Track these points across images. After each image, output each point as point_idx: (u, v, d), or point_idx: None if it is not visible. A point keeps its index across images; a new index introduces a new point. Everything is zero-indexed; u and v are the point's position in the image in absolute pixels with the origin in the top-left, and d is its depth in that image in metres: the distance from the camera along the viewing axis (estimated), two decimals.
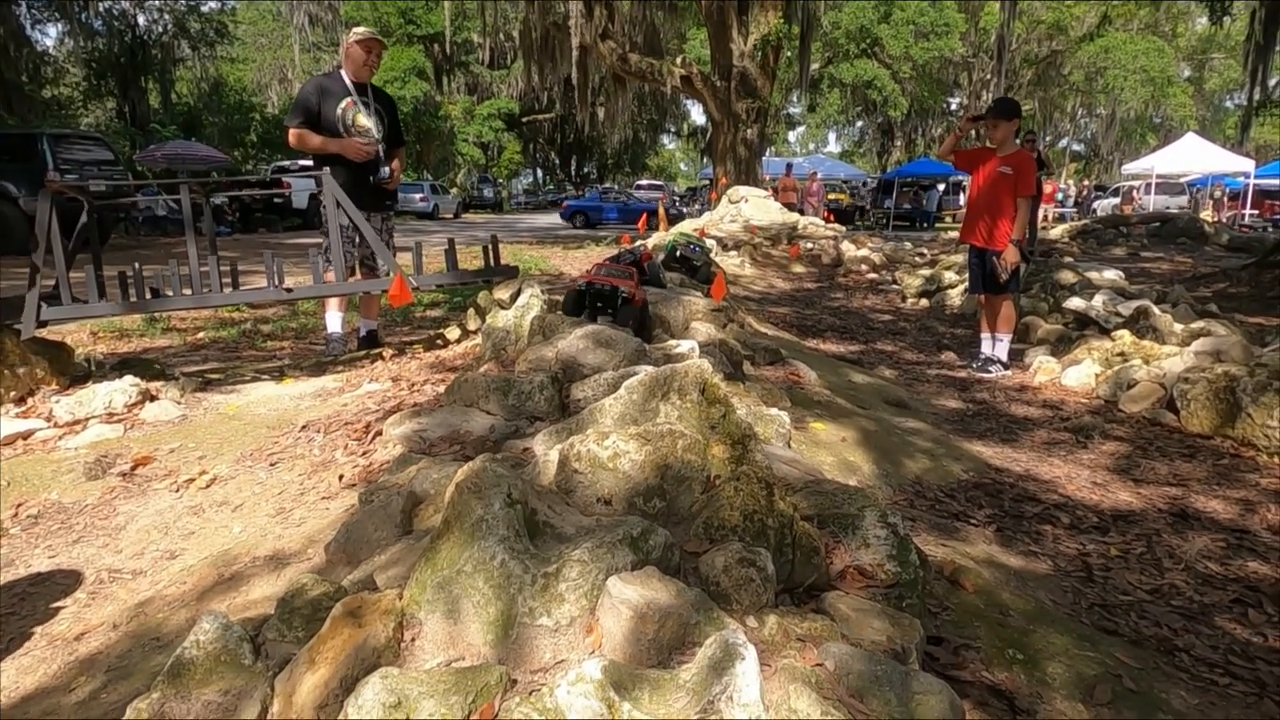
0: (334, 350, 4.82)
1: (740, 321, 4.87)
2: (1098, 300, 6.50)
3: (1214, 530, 2.89)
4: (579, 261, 11.34)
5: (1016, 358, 5.71)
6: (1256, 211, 25.23)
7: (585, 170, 56.36)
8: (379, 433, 2.79)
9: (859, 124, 47.23)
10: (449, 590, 1.32)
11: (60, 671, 1.76)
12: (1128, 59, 31.44)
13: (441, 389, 3.25)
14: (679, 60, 18.23)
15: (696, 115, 47.07)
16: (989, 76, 33.03)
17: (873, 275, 10.59)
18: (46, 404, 3.42)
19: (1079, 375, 5.02)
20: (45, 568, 2.26)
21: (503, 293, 4.50)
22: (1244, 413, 3.87)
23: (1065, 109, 39.70)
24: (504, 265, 4.93)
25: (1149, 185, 26.83)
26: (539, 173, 56.06)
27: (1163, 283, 8.93)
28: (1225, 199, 26.41)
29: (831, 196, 27.03)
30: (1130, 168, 29.18)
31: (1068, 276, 7.69)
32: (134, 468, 2.85)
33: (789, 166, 23.43)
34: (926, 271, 9.58)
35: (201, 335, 5.98)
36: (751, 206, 13.63)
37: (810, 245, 12.10)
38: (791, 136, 57.31)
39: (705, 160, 40.01)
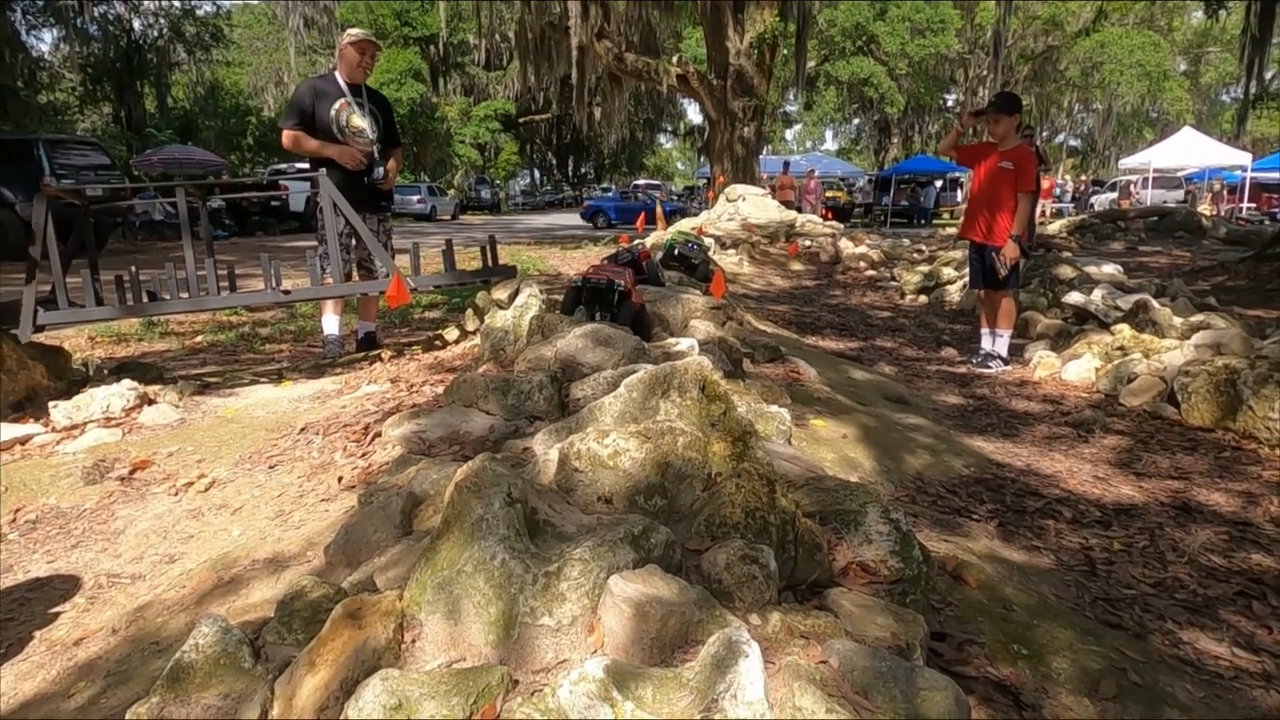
0: (331, 352, 4.81)
1: (739, 319, 4.86)
2: (1097, 294, 6.49)
3: (1216, 523, 2.88)
4: (577, 261, 11.32)
5: (1016, 353, 5.71)
6: (1254, 205, 25.25)
7: (583, 170, 56.36)
8: (378, 434, 2.78)
9: (856, 121, 47.26)
10: (449, 591, 1.31)
11: (59, 676, 1.75)
12: (1124, 53, 31.45)
13: (440, 390, 3.23)
14: (675, 59, 18.24)
15: (693, 114, 47.10)
16: (985, 72, 33.06)
17: (871, 272, 10.58)
18: (44, 408, 3.41)
19: (1079, 369, 5.02)
20: (44, 573, 2.24)
21: (501, 293, 4.49)
22: (1245, 405, 3.86)
23: (1062, 104, 39.76)
24: (502, 265, 4.92)
25: (1146, 180, 26.83)
26: (536, 173, 56.06)
27: (1161, 276, 8.93)
28: (1225, 192, 26.42)
29: (829, 194, 27.01)
30: (1127, 162, 29.17)
31: (1066, 271, 7.68)
32: (132, 472, 2.84)
33: (786, 164, 23.43)
34: (925, 268, 9.57)
35: (200, 339, 5.96)
36: (749, 205, 13.62)
37: (808, 243, 12.09)
38: (788, 134, 57.31)
39: (702, 159, 40.02)
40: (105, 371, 4.04)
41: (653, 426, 1.72)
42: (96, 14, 24.56)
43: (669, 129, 51.16)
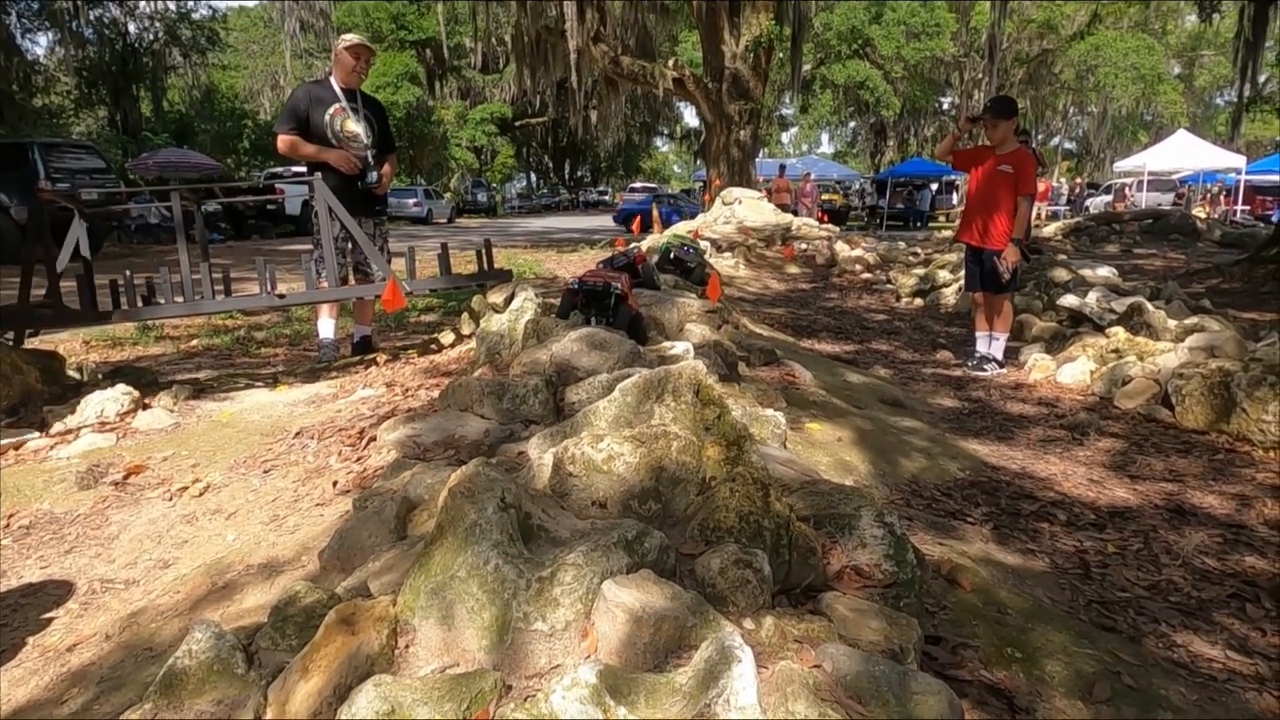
0: (326, 356, 4.80)
1: (735, 322, 4.87)
2: (1091, 297, 6.51)
3: (1210, 526, 2.89)
4: (573, 265, 11.33)
5: (1011, 355, 5.72)
6: (1247, 207, 25.33)
7: (579, 174, 56.40)
8: (373, 438, 2.78)
9: (852, 124, 47.32)
10: (443, 596, 1.31)
11: (52, 683, 1.75)
12: (1118, 57, 31.55)
13: (436, 394, 3.23)
14: (671, 63, 18.26)
15: (689, 118, 47.18)
16: (980, 76, 33.15)
17: (867, 275, 10.59)
18: (38, 413, 3.40)
19: (1074, 372, 5.03)
20: (37, 578, 2.24)
21: (497, 296, 4.49)
22: (1239, 408, 3.87)
23: (1057, 107, 39.86)
24: (497, 269, 4.92)
25: (1141, 182, 26.92)
26: (533, 176, 56.07)
27: (1156, 279, 8.95)
28: (1222, 195, 26.50)
29: (825, 197, 27.04)
30: (1122, 165, 29.26)
31: (1061, 274, 7.70)
32: (126, 476, 2.83)
33: (782, 168, 23.48)
34: (920, 271, 9.59)
35: (195, 343, 5.95)
36: (745, 208, 13.64)
37: (804, 246, 12.11)
38: (784, 138, 57.40)
39: (698, 162, 40.05)
40: (100, 376, 4.03)
41: (647, 431, 1.73)
42: (92, 17, 24.53)
43: (665, 132, 51.25)
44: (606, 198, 52.20)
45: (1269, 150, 35.70)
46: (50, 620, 2.04)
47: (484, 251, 4.84)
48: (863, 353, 6.15)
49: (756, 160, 19.95)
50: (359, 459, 2.69)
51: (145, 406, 3.55)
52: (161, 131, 26.97)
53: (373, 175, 4.64)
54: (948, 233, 16.01)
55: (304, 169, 4.78)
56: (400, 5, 35.14)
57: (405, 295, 4.27)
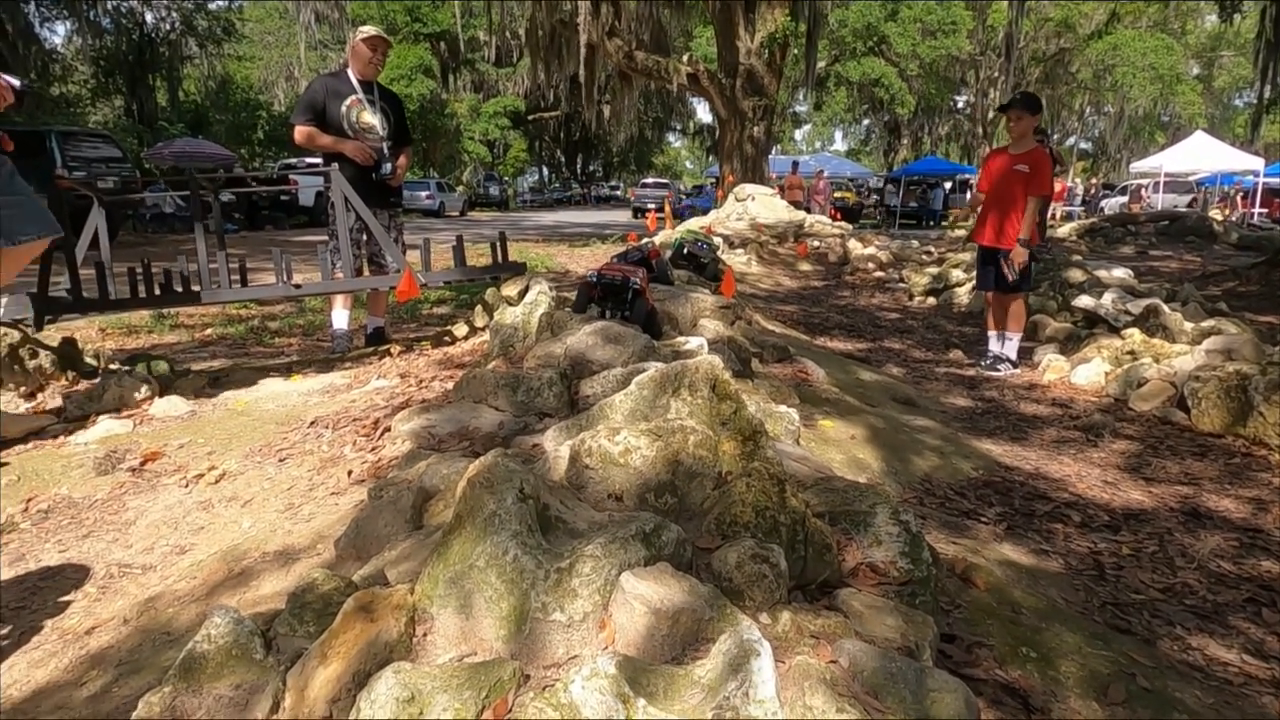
0: (339, 347, 4.82)
1: (748, 319, 4.86)
2: (1107, 298, 6.47)
3: (1226, 529, 2.87)
4: (585, 259, 11.34)
5: (1025, 356, 5.69)
6: (1265, 210, 25.10)
7: (591, 168, 56.39)
8: (387, 429, 2.79)
9: (865, 122, 47.13)
10: (461, 585, 1.31)
11: (71, 665, 1.76)
12: (1136, 56, 31.26)
13: (449, 386, 3.24)
14: (685, 58, 18.23)
15: (703, 113, 47.09)
16: (996, 74, 32.95)
17: (880, 273, 10.56)
18: (56, 399, 3.43)
19: (1088, 373, 5.00)
20: (55, 562, 2.26)
21: (510, 289, 4.50)
22: (1256, 411, 3.84)
23: (1073, 107, 39.59)
24: (512, 262, 4.93)
25: (1157, 184, 26.70)
26: (545, 170, 56.10)
27: (1172, 281, 8.89)
28: (1239, 198, 26.26)
29: (838, 195, 26.93)
30: (1138, 166, 29.03)
31: (1076, 274, 7.65)
32: (143, 463, 2.86)
33: (795, 165, 23.41)
34: (934, 270, 9.55)
35: (209, 332, 5.99)
36: (758, 204, 13.61)
37: (817, 243, 12.08)
38: (798, 135, 57.24)
39: (711, 158, 39.97)
40: (116, 363, 4.06)
41: (664, 424, 1.73)
42: (109, 7, 24.66)
43: (678, 128, 51.18)
44: (618, 193, 52.19)
45: None
46: (69, 603, 2.06)
47: (498, 244, 4.84)
48: (875, 351, 6.13)
49: (770, 157, 19.90)
50: (373, 449, 2.70)
51: (161, 394, 3.58)
52: (177, 121, 27.08)
53: (387, 167, 4.65)
54: (961, 231, 15.92)
55: (318, 160, 4.80)
56: None
57: (420, 287, 4.28)
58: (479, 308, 5.07)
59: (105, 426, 3.19)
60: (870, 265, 10.90)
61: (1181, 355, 4.76)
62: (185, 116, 28.24)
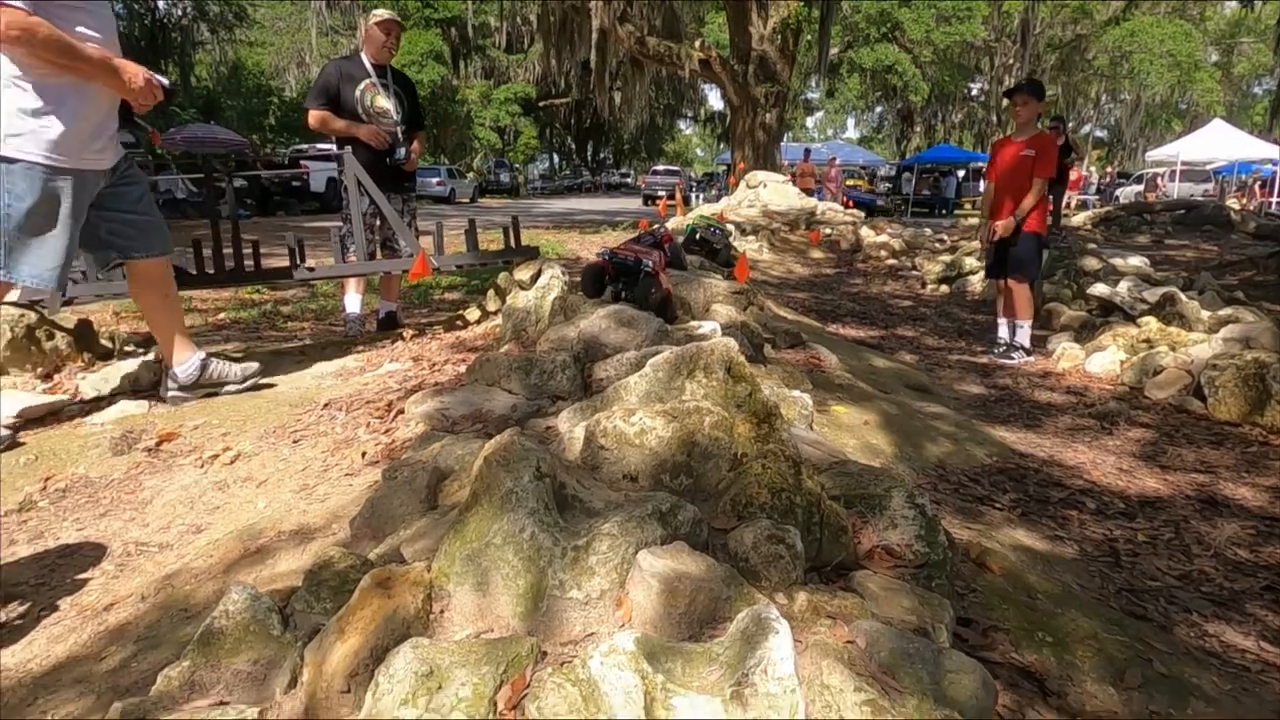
0: (351, 331, 4.83)
1: (760, 304, 4.84)
2: (1123, 287, 6.41)
3: (1243, 517, 2.85)
4: (596, 245, 11.30)
5: (1039, 344, 5.65)
6: None
7: (602, 155, 56.23)
8: (401, 411, 2.79)
9: (878, 109, 46.81)
10: (478, 563, 1.31)
11: (90, 641, 1.78)
12: (1154, 43, 30.85)
13: (462, 369, 3.24)
14: (697, 44, 18.10)
15: (714, 100, 46.88)
16: (1012, 61, 32.59)
17: (892, 261, 10.50)
18: (72, 380, 3.45)
19: (1103, 361, 4.97)
20: (73, 540, 2.28)
21: (523, 273, 4.49)
22: (1274, 400, 3.81)
23: (1089, 94, 39.15)
24: (524, 246, 4.92)
25: (1174, 172, 26.42)
26: (555, 158, 55.99)
27: (1188, 270, 8.80)
28: (1257, 186, 25.95)
29: (850, 183, 26.77)
30: (1155, 154, 28.74)
31: (1092, 263, 7.59)
32: (159, 443, 2.87)
33: (807, 152, 23.26)
34: (947, 257, 9.49)
35: (222, 316, 6.02)
36: (770, 191, 13.54)
37: (829, 231, 12.02)
38: (810, 122, 56.91)
39: (722, 145, 39.78)
40: (132, 345, 4.08)
41: (680, 406, 1.72)
42: None
43: (689, 114, 50.88)
44: (629, 180, 52.06)
45: None
46: (87, 581, 2.07)
47: (511, 229, 4.84)
48: (888, 338, 6.10)
49: (782, 144, 19.78)
50: (387, 431, 2.70)
51: None
52: (189, 107, 27.16)
53: (401, 151, 4.64)
54: (974, 220, 15.80)
55: (330, 145, 4.80)
56: None
57: (433, 270, 4.28)
58: (491, 292, 5.07)
59: (121, 407, 3.21)
60: (882, 253, 10.83)
61: (1198, 344, 4.72)
62: (197, 102, 28.32)
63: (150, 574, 2.05)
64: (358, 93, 4.54)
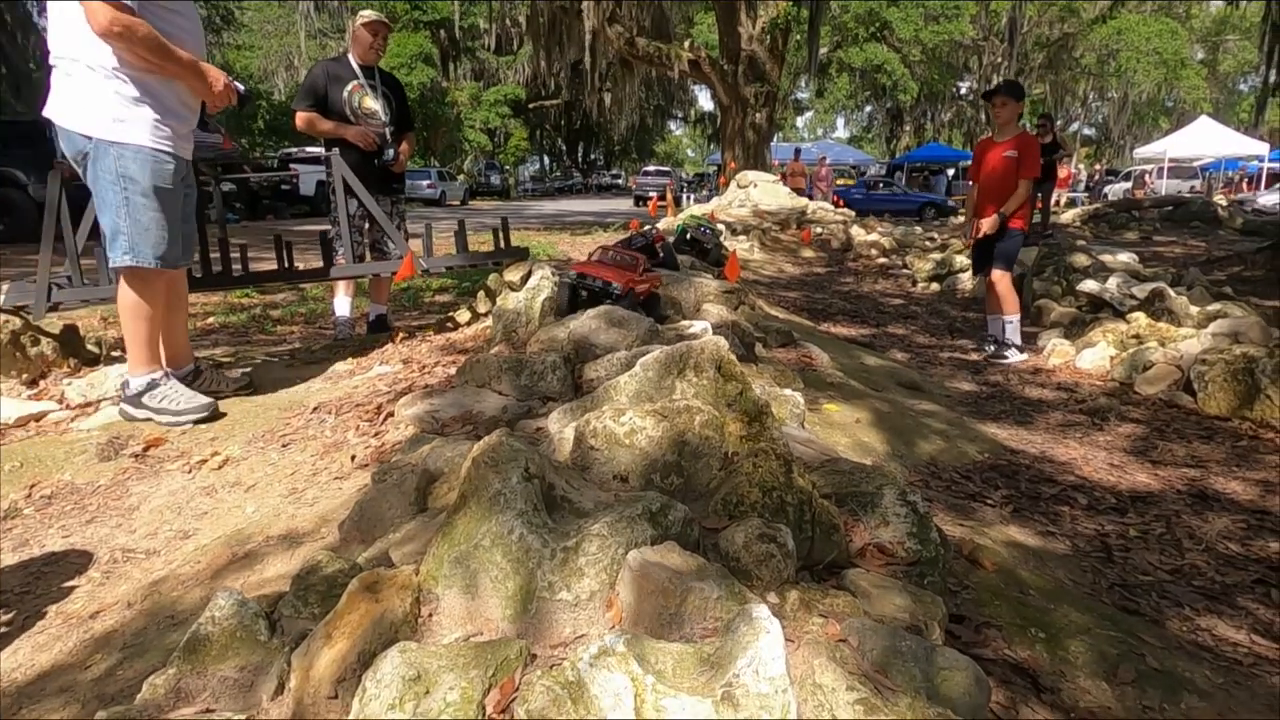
0: (341, 334, 4.81)
1: (751, 304, 4.84)
2: (1112, 283, 6.44)
3: (1234, 511, 2.86)
4: (586, 247, 11.30)
5: (1030, 340, 5.67)
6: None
7: (592, 157, 56.22)
8: (390, 414, 2.77)
9: (868, 109, 46.93)
10: (466, 565, 1.30)
11: (76, 649, 1.76)
12: (1140, 41, 31.05)
13: (452, 371, 3.23)
14: (687, 44, 18.12)
15: (704, 101, 46.92)
16: (1000, 60, 32.74)
17: (883, 260, 10.52)
18: (58, 386, 3.42)
19: (1093, 357, 4.98)
20: (59, 547, 2.25)
21: (513, 275, 4.48)
22: (1263, 394, 3.83)
23: (1077, 92, 39.34)
24: (514, 247, 4.90)
25: (1161, 169, 26.58)
26: (546, 159, 55.95)
27: (1177, 266, 8.84)
28: (1244, 183, 26.15)
29: (840, 181, 26.82)
30: (1142, 151, 28.91)
31: (1081, 259, 7.62)
32: (146, 449, 2.85)
33: (797, 151, 23.30)
34: (937, 256, 9.52)
35: (211, 320, 5.98)
36: (760, 191, 13.56)
37: (820, 230, 12.04)
38: (800, 122, 57.01)
39: (713, 146, 39.82)
40: (119, 350, 4.05)
41: (670, 405, 1.71)
42: None
43: (679, 115, 50.97)
44: (619, 181, 52.05)
45: None
46: (73, 588, 2.05)
47: (501, 230, 4.82)
48: (879, 336, 6.11)
49: (772, 144, 19.81)
50: (377, 434, 2.68)
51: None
52: None
53: (390, 152, 4.62)
54: (963, 218, 15.86)
55: (319, 148, 4.78)
56: None
57: (422, 272, 4.26)
58: (481, 294, 5.05)
59: (107, 413, 3.18)
60: (873, 251, 10.86)
61: (1187, 339, 4.74)
62: None
63: (137, 581, 2.03)
64: (345, 94, 4.52)
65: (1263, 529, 2.71)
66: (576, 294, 3.08)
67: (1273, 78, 16.99)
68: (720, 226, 8.84)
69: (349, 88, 4.53)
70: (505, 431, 1.52)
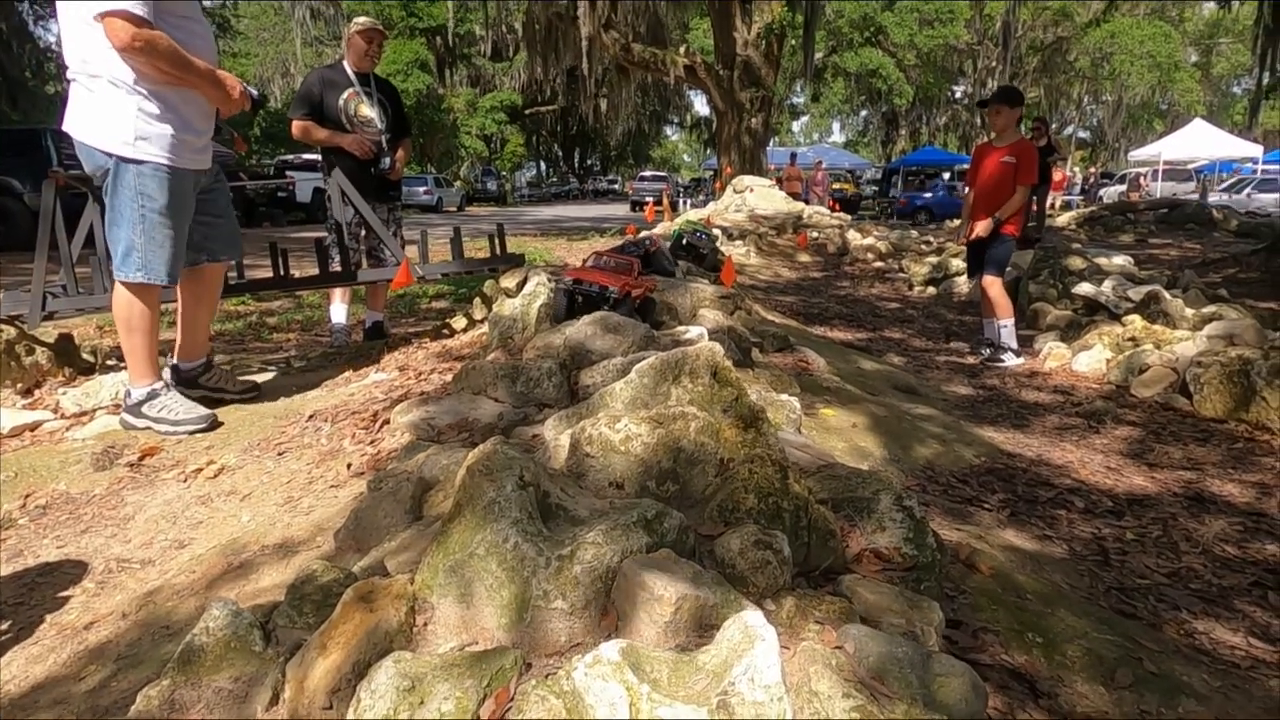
0: (338, 341, 4.81)
1: (748, 308, 4.84)
2: (1107, 285, 6.45)
3: (1230, 514, 2.86)
4: (583, 254, 11.29)
5: (1026, 344, 5.67)
6: None
7: (589, 162, 56.30)
8: (386, 421, 2.77)
9: (863, 113, 47.07)
10: (461, 574, 1.30)
11: (70, 660, 1.75)
12: (1134, 44, 31.20)
13: (448, 378, 3.22)
14: (682, 50, 18.17)
15: (700, 106, 47.01)
16: (994, 64, 32.85)
17: (879, 264, 10.54)
18: (53, 395, 3.41)
19: (1090, 360, 4.99)
20: (54, 558, 2.24)
21: (509, 281, 4.48)
22: (1258, 396, 3.83)
23: (1071, 96, 39.52)
24: (510, 254, 4.90)
25: (1156, 172, 26.66)
26: (542, 165, 56.01)
27: (1172, 268, 8.87)
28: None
29: (837, 186, 26.87)
30: (1137, 154, 29.00)
31: (1076, 262, 7.63)
32: (141, 458, 2.84)
33: (793, 156, 23.34)
34: (933, 259, 9.53)
35: None
36: (756, 196, 13.58)
37: (816, 234, 12.05)
38: (795, 126, 57.19)
39: (709, 151, 39.89)
40: (114, 359, 4.04)
41: (665, 411, 1.71)
42: None
43: (675, 120, 51.10)
44: (616, 186, 52.12)
45: None
46: (67, 599, 2.04)
47: (497, 236, 4.82)
48: (875, 340, 6.11)
49: (767, 149, 19.86)
50: (373, 441, 2.68)
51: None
52: None
53: (386, 160, 4.62)
54: (959, 221, 15.88)
55: (316, 155, 4.78)
56: None
57: (417, 279, 4.26)
58: (477, 300, 5.05)
59: (103, 422, 3.17)
60: (869, 255, 10.87)
61: (1183, 341, 4.74)
62: None
63: (132, 591, 2.02)
64: (341, 101, 4.52)
65: (1259, 531, 2.71)
66: (574, 300, 3.09)
67: (1266, 80, 17.08)
68: (716, 231, 8.86)
69: (345, 95, 4.53)
70: (500, 440, 1.52)
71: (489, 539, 1.30)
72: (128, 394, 3.07)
